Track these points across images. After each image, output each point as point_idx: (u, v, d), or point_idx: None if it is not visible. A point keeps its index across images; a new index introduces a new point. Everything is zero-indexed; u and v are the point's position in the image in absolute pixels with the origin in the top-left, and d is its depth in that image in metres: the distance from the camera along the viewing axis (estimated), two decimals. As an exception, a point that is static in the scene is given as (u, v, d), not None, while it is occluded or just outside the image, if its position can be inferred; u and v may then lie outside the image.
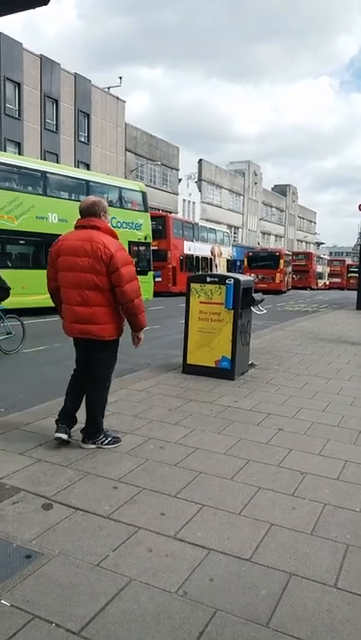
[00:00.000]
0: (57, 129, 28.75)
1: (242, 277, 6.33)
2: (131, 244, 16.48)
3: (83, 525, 2.54)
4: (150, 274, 18.09)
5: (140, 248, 17.62)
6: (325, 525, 2.64)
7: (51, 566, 2.19)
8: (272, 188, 69.24)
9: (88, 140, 31.13)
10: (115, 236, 3.57)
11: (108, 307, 3.47)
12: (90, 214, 3.55)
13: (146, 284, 15.97)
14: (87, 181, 15.99)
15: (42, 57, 27.51)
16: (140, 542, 2.41)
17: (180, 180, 42.56)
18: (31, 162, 15.73)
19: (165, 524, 2.59)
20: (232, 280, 5.97)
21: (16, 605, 1.93)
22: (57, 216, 14.08)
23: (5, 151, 25.18)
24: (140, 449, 3.61)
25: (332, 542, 2.48)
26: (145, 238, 17.94)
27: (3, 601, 1.95)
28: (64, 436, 3.59)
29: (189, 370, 6.11)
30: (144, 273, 16.52)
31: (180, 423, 4.24)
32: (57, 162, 28.37)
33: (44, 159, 27.51)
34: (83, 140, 30.77)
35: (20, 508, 2.70)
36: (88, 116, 31.01)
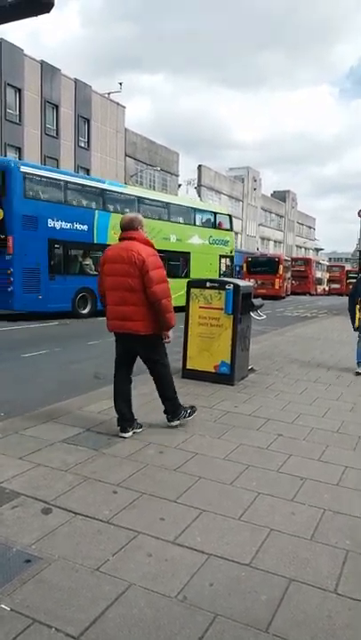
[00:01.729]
0: (57, 134, 28.88)
1: (241, 283, 6.35)
2: (221, 256, 20.73)
3: (82, 530, 2.54)
4: None
5: (227, 260, 21.56)
6: (325, 531, 2.64)
7: (50, 571, 2.19)
8: (271, 194, 69.48)
9: (88, 146, 31.26)
10: (149, 244, 4.06)
11: (141, 306, 3.91)
12: (129, 228, 4.06)
13: None
14: (194, 209, 20.55)
15: (42, 63, 27.66)
16: (139, 547, 2.41)
17: (179, 186, 42.72)
18: (159, 195, 21.00)
19: (165, 528, 2.58)
20: (231, 285, 5.98)
21: (16, 610, 1.93)
22: (175, 236, 18.31)
23: (5, 156, 25.30)
24: (139, 454, 3.61)
25: (332, 548, 2.48)
26: (230, 252, 22.02)
27: (2, 605, 1.95)
28: (128, 435, 4.00)
29: (189, 375, 6.11)
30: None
31: (180, 428, 4.24)
32: (57, 166, 28.48)
33: (44, 164, 27.60)
34: (83, 145, 30.90)
35: (19, 512, 2.69)
36: (88, 121, 31.15)
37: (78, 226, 14.81)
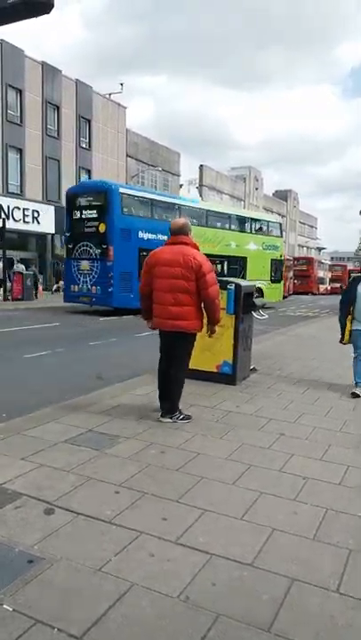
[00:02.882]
0: (58, 135, 28.89)
1: (243, 282, 6.34)
2: (272, 260, 22.95)
3: (85, 530, 2.54)
4: (281, 282, 24.56)
5: (278, 263, 23.63)
6: (327, 530, 2.64)
7: (53, 571, 2.19)
8: (273, 194, 69.40)
9: (89, 146, 31.27)
10: (198, 249, 4.42)
11: (194, 306, 4.33)
12: (180, 233, 4.40)
13: (277, 289, 23.58)
14: (251, 218, 23.28)
15: (43, 64, 27.69)
16: (141, 547, 2.41)
17: (181, 186, 42.69)
18: (223, 208, 24.47)
19: (167, 528, 2.58)
20: (233, 285, 5.98)
21: (18, 610, 1.93)
22: (235, 243, 20.64)
23: (7, 157, 25.34)
24: (141, 454, 3.61)
25: (335, 547, 2.48)
26: (280, 257, 24.11)
27: (5, 606, 1.95)
28: (166, 420, 4.40)
29: (191, 375, 6.09)
30: (278, 281, 23.58)
31: (182, 428, 4.25)
32: (58, 168, 28.55)
33: (46, 165, 27.68)
34: (84, 145, 30.91)
35: (22, 512, 2.70)
36: (89, 122, 31.16)
37: (160, 236, 16.42)
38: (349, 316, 5.74)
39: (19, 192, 26.30)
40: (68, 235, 17.49)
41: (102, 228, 15.90)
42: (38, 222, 26.81)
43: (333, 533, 2.61)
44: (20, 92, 26.22)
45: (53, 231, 27.83)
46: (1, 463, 3.34)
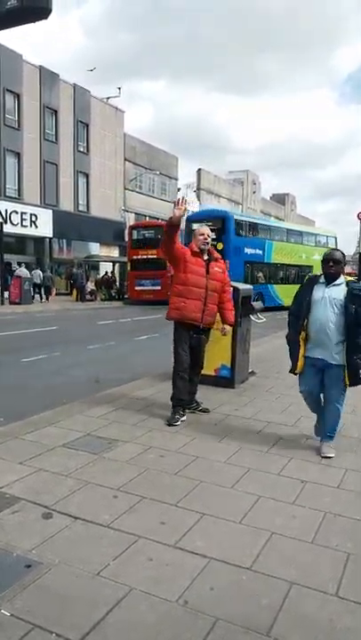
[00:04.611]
0: (56, 139, 28.88)
1: (241, 286, 6.35)
2: None
3: (83, 534, 2.54)
4: None
5: None
6: (326, 534, 2.63)
7: (51, 576, 2.18)
8: (270, 197, 69.50)
9: (87, 150, 31.27)
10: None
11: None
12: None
13: None
14: (315, 234, 27.72)
15: (41, 68, 27.72)
16: (140, 551, 2.40)
17: (178, 190, 42.74)
18: (297, 227, 28.58)
19: (166, 533, 2.58)
20: (231, 289, 5.96)
21: (16, 615, 1.92)
22: (305, 255, 25.25)
23: (5, 161, 25.36)
24: (140, 458, 3.61)
25: (333, 551, 2.48)
26: None
27: (3, 611, 1.94)
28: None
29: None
30: None
31: (180, 432, 4.24)
32: (56, 172, 28.53)
33: (44, 169, 27.68)
34: (82, 149, 30.91)
35: (19, 517, 2.69)
36: (87, 126, 31.17)
37: (257, 251, 21.87)
38: (303, 333, 3.84)
39: (16, 196, 26.27)
40: None
41: (220, 246, 18.76)
42: (36, 226, 26.76)
43: (332, 537, 2.60)
44: (17, 96, 26.21)
45: (51, 235, 27.81)
46: (-1, 467, 3.33)
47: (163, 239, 4.57)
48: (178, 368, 4.63)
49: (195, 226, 19.65)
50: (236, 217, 21.86)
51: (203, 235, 4.67)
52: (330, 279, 3.81)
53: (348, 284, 3.82)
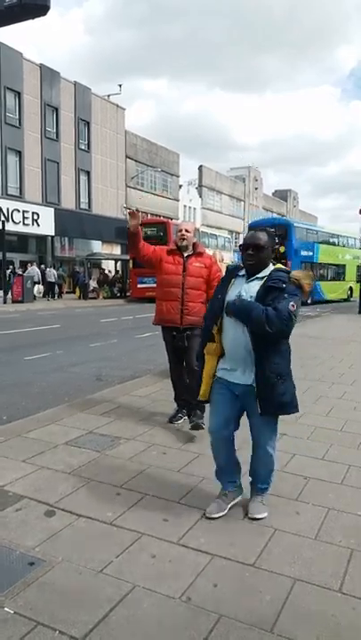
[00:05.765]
0: (57, 137, 28.87)
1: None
2: (358, 267, 28.88)
3: (86, 532, 2.54)
4: None
5: (359, 269, 29.24)
6: (329, 530, 2.63)
7: (54, 573, 2.19)
8: (273, 194, 69.38)
9: (88, 148, 31.25)
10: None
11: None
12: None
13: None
14: (347, 237, 30.69)
15: (42, 66, 27.69)
16: (143, 548, 2.40)
17: (180, 187, 42.68)
18: (335, 230, 30.48)
19: (168, 529, 2.58)
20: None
21: (19, 613, 1.93)
22: (341, 255, 29.07)
23: (6, 160, 25.35)
24: (142, 455, 3.61)
25: (337, 547, 2.47)
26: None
27: (6, 608, 1.95)
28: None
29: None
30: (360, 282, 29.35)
31: (183, 429, 4.23)
32: (57, 169, 28.54)
33: (45, 167, 27.69)
34: (83, 147, 30.89)
35: (22, 515, 2.69)
36: (88, 123, 31.14)
37: (309, 253, 25.09)
38: (215, 344, 2.80)
39: (18, 194, 26.28)
40: None
41: (282, 249, 22.27)
42: (38, 224, 26.78)
43: (336, 533, 2.60)
44: (18, 94, 26.20)
45: (53, 233, 27.83)
46: (2, 465, 3.34)
47: (129, 247, 4.44)
48: (169, 369, 4.65)
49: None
50: (295, 224, 25.61)
51: (181, 230, 4.36)
52: (250, 272, 2.79)
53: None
